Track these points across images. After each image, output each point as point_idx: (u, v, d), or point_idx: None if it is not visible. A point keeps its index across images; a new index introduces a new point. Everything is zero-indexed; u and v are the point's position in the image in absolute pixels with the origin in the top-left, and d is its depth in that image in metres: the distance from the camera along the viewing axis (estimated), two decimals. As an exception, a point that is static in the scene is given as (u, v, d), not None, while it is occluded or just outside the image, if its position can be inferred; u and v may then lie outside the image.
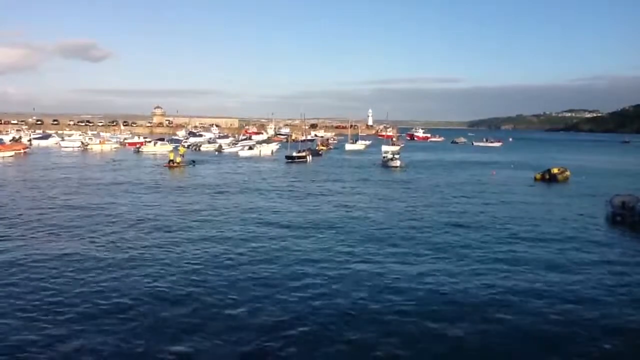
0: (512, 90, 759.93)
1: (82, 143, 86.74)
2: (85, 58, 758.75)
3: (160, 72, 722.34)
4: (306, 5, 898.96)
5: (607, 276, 18.16)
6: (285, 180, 46.90)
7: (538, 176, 49.85)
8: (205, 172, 52.27)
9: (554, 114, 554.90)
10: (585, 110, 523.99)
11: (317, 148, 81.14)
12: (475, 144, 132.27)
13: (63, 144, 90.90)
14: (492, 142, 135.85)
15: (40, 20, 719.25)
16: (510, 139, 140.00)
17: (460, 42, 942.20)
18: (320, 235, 23.77)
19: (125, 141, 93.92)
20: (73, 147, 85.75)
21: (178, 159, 56.22)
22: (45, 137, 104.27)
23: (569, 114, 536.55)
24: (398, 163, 61.00)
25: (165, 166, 54.97)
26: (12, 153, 67.13)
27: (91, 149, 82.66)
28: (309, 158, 68.30)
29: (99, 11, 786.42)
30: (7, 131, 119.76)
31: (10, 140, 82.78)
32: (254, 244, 21.74)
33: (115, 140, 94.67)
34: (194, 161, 58.83)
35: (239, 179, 46.16)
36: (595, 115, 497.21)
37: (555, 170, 50.18)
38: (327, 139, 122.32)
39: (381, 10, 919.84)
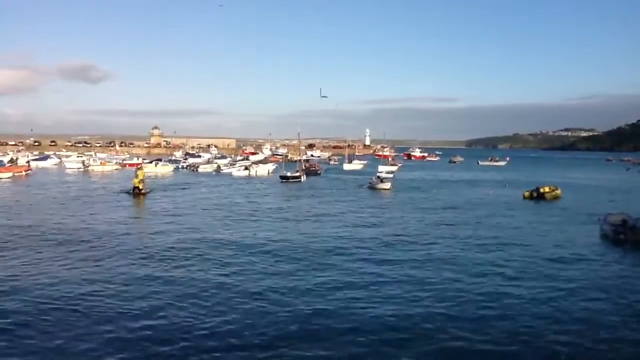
0: (509, 109, 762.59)
1: (84, 164, 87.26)
2: (84, 79, 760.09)
3: (157, 92, 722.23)
4: (303, 26, 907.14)
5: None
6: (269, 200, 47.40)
7: (527, 194, 50.52)
8: (179, 199, 45.69)
9: (550, 133, 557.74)
10: (581, 129, 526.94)
11: (304, 167, 78.22)
12: (480, 163, 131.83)
13: (67, 164, 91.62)
14: (497, 160, 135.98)
15: (41, 42, 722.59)
16: (507, 159, 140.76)
17: (456, 62, 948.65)
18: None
19: (125, 162, 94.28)
20: (77, 167, 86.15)
21: (141, 185, 48.67)
22: (44, 158, 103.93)
23: (566, 133, 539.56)
24: (388, 185, 57.86)
25: (130, 193, 48.10)
26: (10, 175, 66.04)
27: (92, 169, 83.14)
28: (304, 178, 68.87)
29: (98, 32, 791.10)
30: (5, 152, 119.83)
31: (7, 162, 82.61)
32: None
33: (115, 161, 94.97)
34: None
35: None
36: (591, 133, 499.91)
37: (546, 189, 50.88)
38: (329, 158, 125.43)
39: (377, 30, 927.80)
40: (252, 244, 26.33)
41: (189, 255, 23.57)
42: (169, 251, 24.48)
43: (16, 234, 28.02)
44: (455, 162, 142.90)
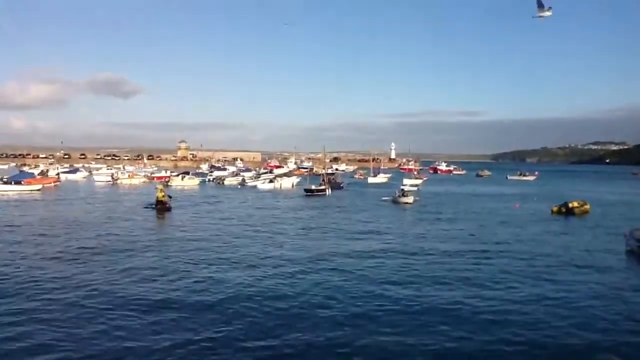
0: (536, 123, 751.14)
1: (113, 177, 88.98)
2: (113, 93, 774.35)
3: (185, 106, 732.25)
4: (328, 39, 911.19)
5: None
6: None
7: (555, 209, 49.66)
8: (202, 217, 42.59)
9: (579, 146, 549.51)
10: (611, 143, 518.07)
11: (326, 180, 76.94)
12: (509, 177, 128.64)
13: (96, 177, 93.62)
14: (525, 175, 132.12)
15: (72, 56, 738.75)
16: (536, 173, 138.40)
17: (481, 75, 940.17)
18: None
19: (153, 175, 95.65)
20: (106, 180, 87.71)
21: (165, 199, 47.09)
22: (74, 171, 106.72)
23: (595, 147, 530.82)
24: (410, 199, 56.98)
25: (154, 207, 46.38)
26: (40, 186, 66.12)
27: (121, 182, 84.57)
28: (329, 191, 68.53)
29: (126, 47, 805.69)
30: (36, 165, 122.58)
31: (38, 174, 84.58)
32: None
33: (143, 173, 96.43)
34: (170, 196, 49.33)
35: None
36: (621, 147, 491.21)
37: (575, 204, 50.00)
38: (354, 172, 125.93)
39: (401, 43, 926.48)
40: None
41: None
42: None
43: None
44: (482, 176, 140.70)
